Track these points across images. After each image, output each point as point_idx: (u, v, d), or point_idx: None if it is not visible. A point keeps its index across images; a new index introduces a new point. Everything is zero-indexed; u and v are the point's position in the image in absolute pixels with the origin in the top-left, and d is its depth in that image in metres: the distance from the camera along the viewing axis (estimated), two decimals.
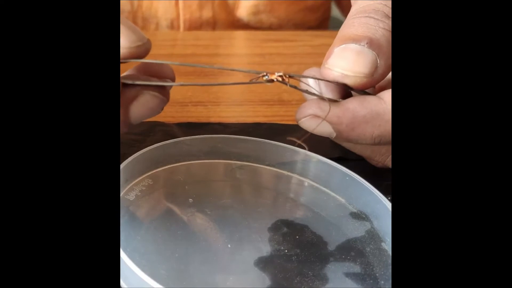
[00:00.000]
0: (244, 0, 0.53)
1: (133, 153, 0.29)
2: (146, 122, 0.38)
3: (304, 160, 0.32)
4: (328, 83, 0.28)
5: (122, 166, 0.28)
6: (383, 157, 0.31)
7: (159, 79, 0.29)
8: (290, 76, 0.27)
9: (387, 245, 0.28)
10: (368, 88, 0.28)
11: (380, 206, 0.29)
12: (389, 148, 0.30)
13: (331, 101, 0.28)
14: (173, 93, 0.44)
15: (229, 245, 0.27)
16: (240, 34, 0.58)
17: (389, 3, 0.27)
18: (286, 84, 0.27)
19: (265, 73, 0.27)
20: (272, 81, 0.27)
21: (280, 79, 0.26)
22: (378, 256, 0.27)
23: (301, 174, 0.33)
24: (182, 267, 0.25)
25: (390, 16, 0.27)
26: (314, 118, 0.27)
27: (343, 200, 0.31)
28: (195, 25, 0.54)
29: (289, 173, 0.33)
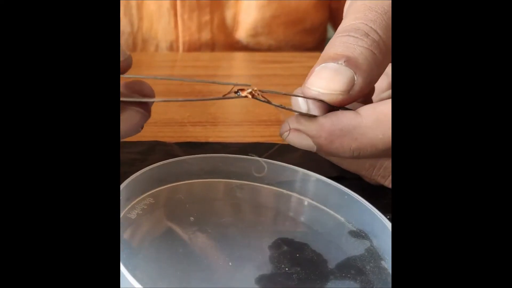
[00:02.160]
0: (243, 22, 0.54)
1: (134, 172, 0.29)
2: (147, 141, 0.38)
3: (303, 179, 0.33)
4: (315, 101, 0.29)
5: (123, 185, 0.28)
6: (368, 172, 0.32)
7: (141, 96, 0.30)
8: (262, 92, 0.28)
9: (387, 263, 0.28)
10: (346, 105, 0.29)
11: (379, 225, 0.29)
12: (372, 163, 0.31)
13: (310, 116, 0.29)
14: (172, 113, 0.44)
15: (230, 263, 0.27)
16: (238, 56, 0.59)
17: (370, 23, 0.28)
18: (258, 99, 0.28)
19: (237, 90, 0.28)
20: (245, 96, 0.28)
21: (250, 96, 0.28)
22: (378, 274, 0.28)
23: (300, 193, 0.33)
24: (184, 285, 0.25)
25: (371, 34, 0.28)
26: (294, 132, 0.28)
27: (342, 219, 0.32)
28: (194, 47, 0.55)
29: (288, 192, 0.33)
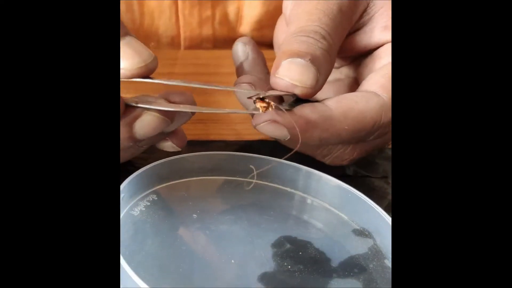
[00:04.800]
0: (246, 16, 0.54)
1: (137, 169, 0.29)
2: None
3: (306, 177, 0.33)
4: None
5: (127, 181, 0.28)
6: (322, 156, 0.34)
7: (167, 102, 0.30)
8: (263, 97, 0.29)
9: (390, 262, 0.28)
10: (309, 98, 0.31)
11: (382, 223, 0.29)
12: (331, 148, 0.33)
13: (286, 109, 0.30)
14: None
15: (232, 261, 0.27)
16: None
17: (326, 27, 0.30)
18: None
19: (254, 100, 0.29)
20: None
21: (264, 109, 0.29)
22: (381, 273, 0.28)
23: (303, 191, 0.33)
24: (186, 282, 0.25)
25: (326, 38, 0.30)
26: (271, 123, 0.29)
27: (345, 217, 0.32)
28: (195, 42, 0.55)
29: (292, 190, 0.33)
